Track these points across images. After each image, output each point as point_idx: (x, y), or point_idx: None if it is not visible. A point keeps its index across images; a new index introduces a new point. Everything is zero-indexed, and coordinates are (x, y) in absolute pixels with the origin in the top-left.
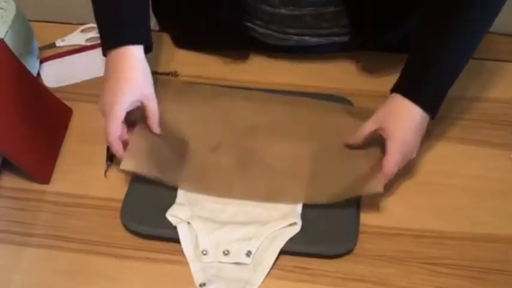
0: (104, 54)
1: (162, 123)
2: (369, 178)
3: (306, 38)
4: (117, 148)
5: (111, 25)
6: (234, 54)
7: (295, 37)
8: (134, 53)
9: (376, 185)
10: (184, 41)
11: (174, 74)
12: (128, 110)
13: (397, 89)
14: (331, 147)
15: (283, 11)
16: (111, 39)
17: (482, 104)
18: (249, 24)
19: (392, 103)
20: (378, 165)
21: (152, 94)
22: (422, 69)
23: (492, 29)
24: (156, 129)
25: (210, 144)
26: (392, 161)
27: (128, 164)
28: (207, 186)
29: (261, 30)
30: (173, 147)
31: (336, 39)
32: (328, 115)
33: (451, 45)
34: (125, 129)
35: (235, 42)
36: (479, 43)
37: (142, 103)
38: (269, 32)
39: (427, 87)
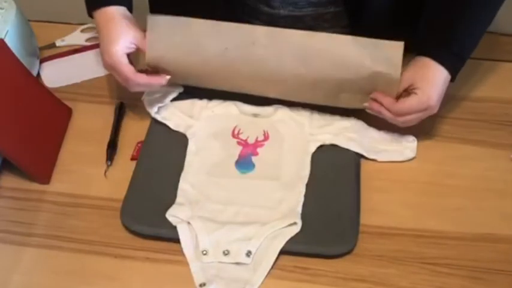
0: (90, 15)
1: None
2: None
3: None
4: (141, 80)
5: None
6: None
7: None
8: (117, 10)
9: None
10: None
11: None
12: (125, 52)
13: (424, 52)
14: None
15: (282, 11)
16: (94, 2)
17: (483, 104)
18: None
19: (420, 62)
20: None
21: (143, 36)
22: (447, 34)
23: (492, 28)
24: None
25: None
26: (411, 105)
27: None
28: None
29: None
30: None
31: None
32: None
33: (473, 12)
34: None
35: None
36: (499, 8)
37: (136, 45)
38: None
39: (450, 50)
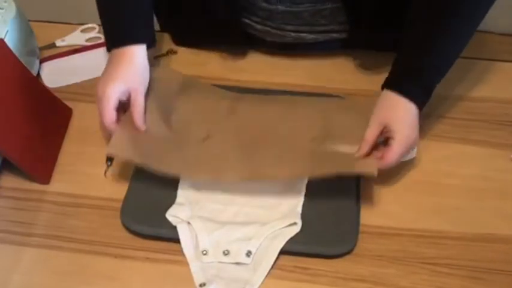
0: (108, 50)
1: (148, 112)
2: (366, 160)
3: (303, 34)
4: (111, 129)
5: (114, 25)
6: (234, 54)
7: (292, 34)
8: (135, 52)
9: (370, 166)
10: (183, 39)
11: (172, 52)
12: (118, 97)
13: (392, 86)
14: (328, 135)
15: (280, 7)
16: (114, 39)
17: (482, 104)
18: (247, 21)
19: (389, 100)
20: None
21: (142, 90)
22: (415, 68)
23: (491, 28)
24: (140, 123)
25: (199, 135)
26: (396, 152)
27: (113, 148)
28: (198, 169)
29: (259, 26)
30: (159, 138)
31: (334, 35)
32: (324, 111)
33: (441, 44)
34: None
35: (233, 39)
36: (468, 41)
37: (130, 95)
38: (266, 28)
39: (420, 84)
